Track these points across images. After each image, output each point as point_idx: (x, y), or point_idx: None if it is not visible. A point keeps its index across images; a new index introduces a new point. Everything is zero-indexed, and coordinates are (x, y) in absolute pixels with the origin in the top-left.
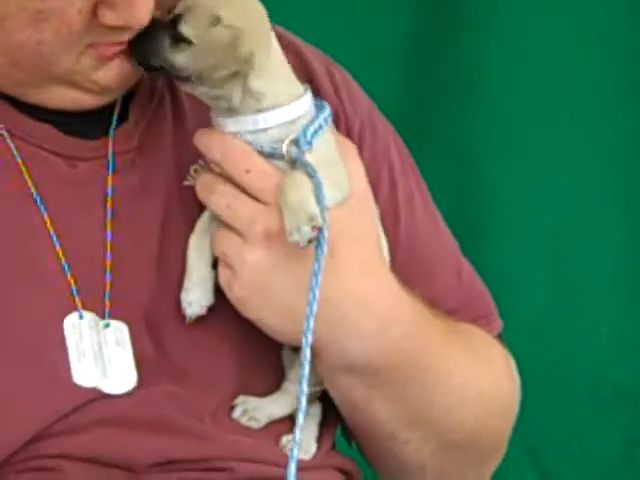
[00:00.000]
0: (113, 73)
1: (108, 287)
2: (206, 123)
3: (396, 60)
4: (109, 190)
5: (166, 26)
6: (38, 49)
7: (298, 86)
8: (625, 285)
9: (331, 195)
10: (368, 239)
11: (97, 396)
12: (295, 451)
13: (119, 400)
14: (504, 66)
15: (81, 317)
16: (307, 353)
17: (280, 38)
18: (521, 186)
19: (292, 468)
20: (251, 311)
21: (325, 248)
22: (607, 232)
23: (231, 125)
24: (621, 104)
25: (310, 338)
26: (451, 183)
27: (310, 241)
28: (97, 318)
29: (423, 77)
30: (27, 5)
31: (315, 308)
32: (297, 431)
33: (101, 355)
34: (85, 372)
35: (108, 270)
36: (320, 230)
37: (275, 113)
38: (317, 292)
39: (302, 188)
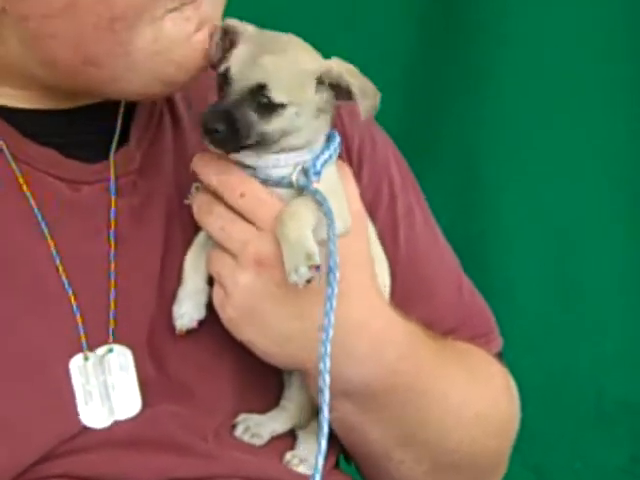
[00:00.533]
0: (200, 49)
1: (112, 310)
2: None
3: (399, 65)
4: (112, 213)
5: (242, 103)
6: (112, 28)
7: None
8: (629, 299)
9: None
10: (362, 263)
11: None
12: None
13: (123, 422)
14: (509, 70)
15: (86, 359)
16: (326, 378)
17: None
18: (525, 196)
19: None
20: (242, 333)
21: (338, 274)
22: (611, 244)
23: (249, 159)
24: (626, 108)
25: (328, 363)
26: (455, 192)
27: (309, 281)
28: (101, 352)
29: (426, 82)
30: None
31: (331, 333)
32: (319, 457)
33: (107, 395)
34: (93, 414)
35: (112, 293)
36: (330, 254)
37: (297, 154)
38: (332, 317)
39: (301, 222)
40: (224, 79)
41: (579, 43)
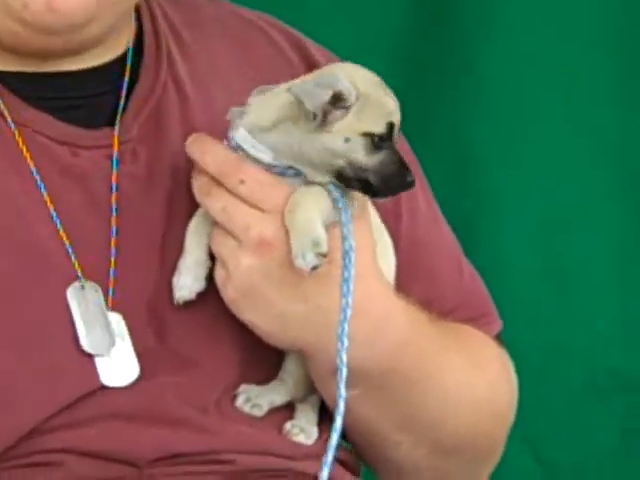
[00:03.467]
0: None
1: (112, 278)
2: (211, 114)
3: (391, 51)
4: (113, 179)
5: (356, 150)
6: None
7: None
8: (622, 274)
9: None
10: (364, 248)
11: (99, 388)
12: (330, 456)
13: (122, 392)
14: (502, 57)
15: (83, 287)
16: (343, 357)
17: (285, 33)
18: (517, 179)
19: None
20: (243, 314)
21: (353, 255)
22: (604, 223)
23: (267, 157)
24: (617, 96)
25: (346, 342)
26: (447, 174)
27: (315, 268)
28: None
29: (418, 68)
30: None
31: (349, 314)
32: (334, 434)
33: (107, 324)
34: (95, 341)
35: (113, 260)
36: (344, 238)
37: None
38: (350, 299)
39: (309, 208)
40: (388, 134)
41: (573, 31)
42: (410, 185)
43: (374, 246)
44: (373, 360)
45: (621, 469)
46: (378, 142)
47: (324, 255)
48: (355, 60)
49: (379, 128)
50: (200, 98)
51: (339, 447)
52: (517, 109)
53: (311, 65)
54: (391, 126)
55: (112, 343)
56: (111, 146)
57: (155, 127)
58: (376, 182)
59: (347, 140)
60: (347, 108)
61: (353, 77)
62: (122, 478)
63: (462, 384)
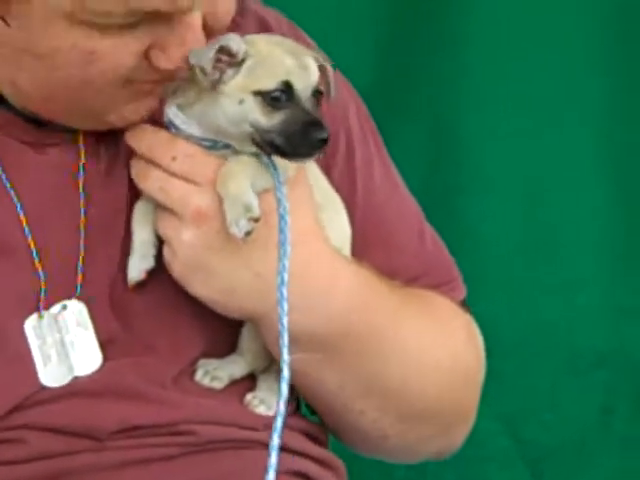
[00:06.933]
0: (144, 109)
1: (79, 269)
2: None
3: (371, 31)
4: (79, 175)
5: (252, 110)
6: (81, 88)
7: None
8: (604, 252)
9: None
10: (302, 210)
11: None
12: (279, 421)
13: (84, 376)
14: (484, 35)
15: (41, 317)
16: (284, 321)
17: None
18: (498, 152)
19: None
20: (192, 287)
21: (288, 218)
22: (586, 200)
23: (197, 131)
24: (600, 69)
25: (286, 306)
26: (427, 150)
27: (248, 234)
28: (56, 310)
29: (400, 41)
30: (82, 44)
31: (286, 277)
32: (281, 402)
33: (66, 353)
34: (52, 374)
35: (79, 251)
36: (279, 202)
37: None
38: (286, 262)
39: (239, 176)
40: (285, 92)
41: (552, 10)
42: (321, 142)
43: (314, 208)
44: (322, 324)
45: (600, 448)
46: (272, 101)
47: (256, 220)
48: (333, 41)
49: (270, 85)
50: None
51: (303, 419)
52: (498, 87)
53: None
54: (287, 84)
55: (71, 372)
56: (75, 142)
57: None
58: (282, 143)
59: (241, 102)
60: (239, 65)
61: (257, 39)
62: (83, 451)
63: (424, 346)
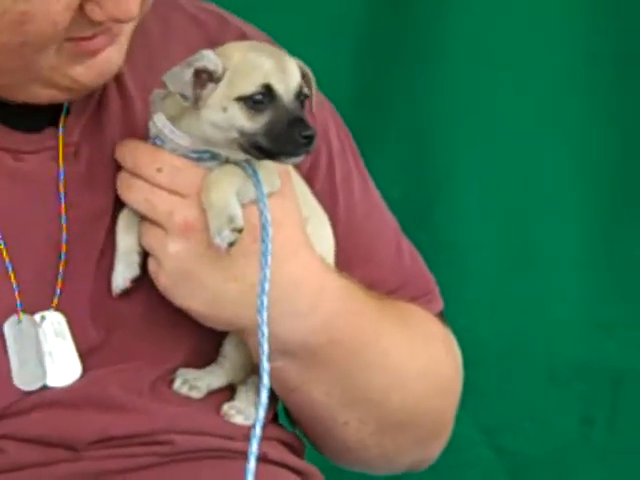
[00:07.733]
0: (96, 70)
1: (59, 278)
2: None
3: (349, 44)
4: (60, 181)
5: (236, 116)
6: (21, 50)
7: None
8: (583, 263)
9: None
10: (291, 220)
11: (41, 388)
12: (258, 429)
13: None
14: (460, 43)
15: (19, 322)
16: (264, 330)
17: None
18: (477, 164)
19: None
20: (178, 299)
21: (270, 229)
22: (565, 211)
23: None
24: (579, 76)
25: (265, 315)
26: (406, 162)
27: (232, 244)
28: (35, 320)
29: (378, 53)
30: (10, 8)
31: (267, 287)
32: (260, 409)
33: (42, 362)
34: (26, 377)
35: (61, 263)
36: (260, 212)
37: None
38: (268, 272)
39: (223, 186)
40: (265, 95)
41: (531, 16)
42: (307, 139)
43: (302, 221)
44: (312, 332)
45: (580, 458)
46: (255, 104)
47: (239, 230)
48: (310, 48)
49: (250, 89)
50: (140, 95)
51: (281, 428)
52: (476, 98)
53: None
54: (267, 87)
55: (44, 377)
56: (55, 148)
57: (97, 124)
58: (267, 144)
59: (225, 109)
60: (218, 80)
61: (229, 50)
62: (61, 462)
63: (404, 356)
